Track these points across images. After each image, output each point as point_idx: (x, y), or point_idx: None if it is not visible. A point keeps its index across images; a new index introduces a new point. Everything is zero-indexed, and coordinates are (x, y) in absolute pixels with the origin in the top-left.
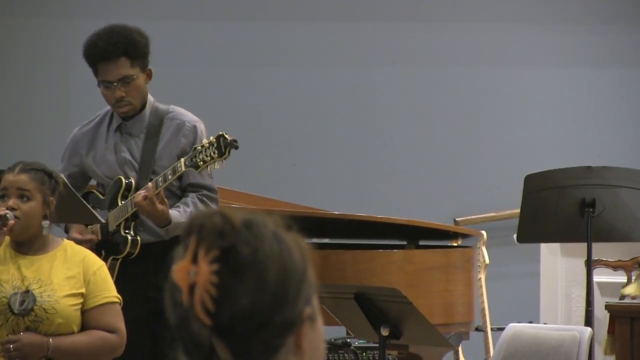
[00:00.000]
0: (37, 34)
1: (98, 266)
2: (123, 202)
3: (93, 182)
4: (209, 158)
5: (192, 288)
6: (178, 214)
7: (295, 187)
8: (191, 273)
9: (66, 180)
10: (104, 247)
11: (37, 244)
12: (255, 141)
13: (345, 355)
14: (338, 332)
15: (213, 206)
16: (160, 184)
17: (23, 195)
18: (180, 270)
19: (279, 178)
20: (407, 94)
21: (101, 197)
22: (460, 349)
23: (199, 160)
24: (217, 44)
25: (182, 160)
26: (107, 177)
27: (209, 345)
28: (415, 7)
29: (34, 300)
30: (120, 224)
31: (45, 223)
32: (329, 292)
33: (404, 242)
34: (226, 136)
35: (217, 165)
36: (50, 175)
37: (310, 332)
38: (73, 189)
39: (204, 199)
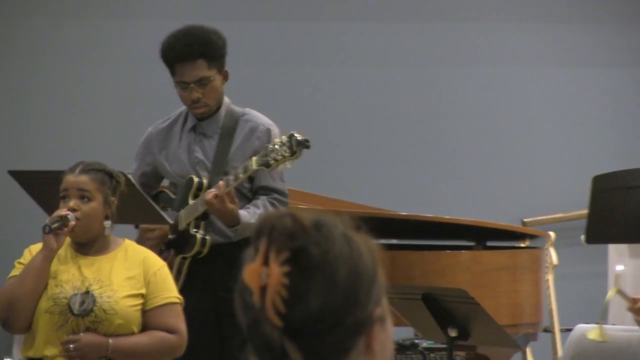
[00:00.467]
0: (96, 35)
1: (158, 266)
2: (194, 201)
3: (165, 182)
4: (280, 157)
5: (263, 290)
6: (247, 214)
7: (362, 188)
8: (262, 275)
9: (133, 180)
10: (174, 245)
11: (98, 245)
12: (322, 141)
13: (413, 356)
14: (406, 332)
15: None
16: (231, 182)
17: (84, 196)
18: (251, 272)
19: (346, 178)
20: (474, 94)
21: (172, 196)
22: (528, 350)
23: (270, 159)
24: (282, 44)
25: (254, 159)
26: (179, 177)
27: (280, 347)
28: (486, 8)
29: (94, 300)
30: (190, 222)
31: (107, 223)
32: (397, 293)
33: (472, 243)
34: (298, 136)
35: (288, 165)
36: (110, 175)
37: (380, 333)
38: (140, 189)
39: (275, 202)
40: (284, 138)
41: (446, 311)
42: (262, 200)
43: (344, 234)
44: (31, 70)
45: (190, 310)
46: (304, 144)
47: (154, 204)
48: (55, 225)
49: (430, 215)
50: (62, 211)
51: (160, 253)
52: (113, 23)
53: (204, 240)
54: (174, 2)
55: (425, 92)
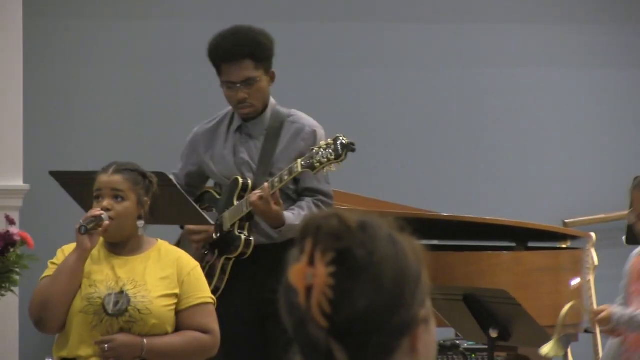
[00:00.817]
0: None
1: (192, 266)
2: (238, 202)
3: (210, 183)
4: (325, 160)
5: (309, 290)
6: (292, 216)
7: (404, 189)
8: (308, 275)
9: (175, 181)
10: (218, 246)
11: (132, 245)
12: (364, 142)
13: (455, 357)
14: (447, 333)
15: None
16: (276, 184)
17: (117, 195)
18: (297, 272)
19: (388, 180)
20: (516, 94)
21: (217, 197)
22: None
23: (315, 161)
24: (326, 44)
25: (299, 161)
26: (224, 177)
27: (326, 348)
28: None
29: (128, 300)
30: (234, 223)
31: (140, 223)
32: (439, 294)
33: (513, 244)
34: (343, 139)
35: (333, 167)
36: (144, 175)
37: (424, 334)
38: (181, 189)
39: (319, 203)
40: (330, 141)
41: (487, 312)
42: (306, 202)
43: (389, 235)
44: (71, 71)
45: (234, 311)
46: (349, 147)
47: (195, 204)
48: (91, 225)
49: (471, 216)
50: (96, 211)
51: (203, 256)
52: (152, 23)
53: (248, 241)
54: (218, 3)
55: (466, 92)
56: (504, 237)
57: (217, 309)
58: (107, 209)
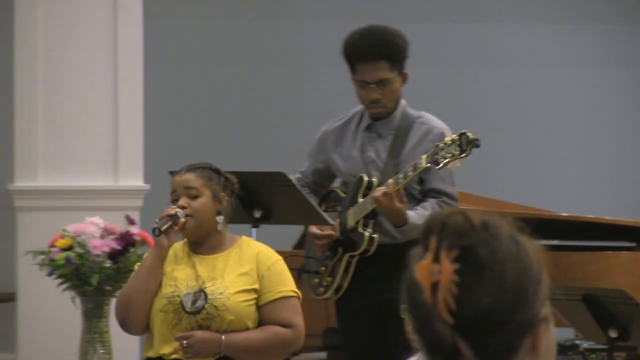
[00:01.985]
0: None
1: (273, 261)
2: (363, 199)
3: (335, 184)
4: (450, 155)
5: (434, 287)
6: (416, 215)
7: (523, 189)
8: (433, 272)
9: (294, 181)
10: (342, 244)
11: (213, 242)
12: (484, 142)
13: (574, 356)
14: (566, 333)
15: None
16: (401, 180)
17: (191, 193)
18: (423, 269)
19: (508, 179)
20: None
21: (342, 195)
22: None
23: (439, 157)
24: (450, 45)
25: (424, 156)
26: (350, 175)
27: (451, 345)
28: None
29: (206, 298)
30: (358, 221)
31: (220, 219)
32: (558, 294)
33: (632, 244)
34: (468, 134)
35: (457, 163)
36: (218, 172)
37: (545, 333)
38: (301, 190)
39: (443, 205)
40: (455, 136)
41: (607, 312)
42: (430, 203)
43: (510, 235)
44: (189, 71)
45: (354, 310)
46: (474, 143)
47: (314, 204)
48: (165, 226)
49: (591, 216)
50: (171, 209)
51: (326, 256)
52: (278, 23)
53: (371, 238)
54: (352, 3)
55: (590, 93)
56: (623, 237)
57: (339, 308)
58: (182, 207)
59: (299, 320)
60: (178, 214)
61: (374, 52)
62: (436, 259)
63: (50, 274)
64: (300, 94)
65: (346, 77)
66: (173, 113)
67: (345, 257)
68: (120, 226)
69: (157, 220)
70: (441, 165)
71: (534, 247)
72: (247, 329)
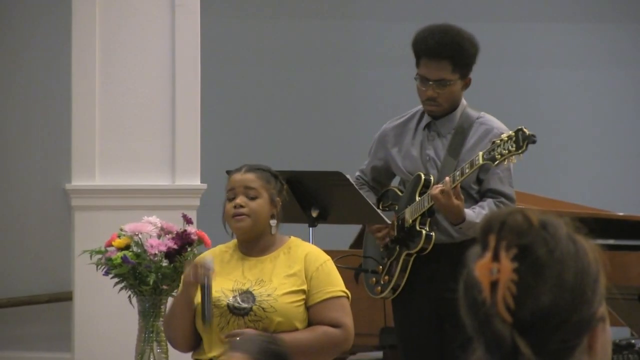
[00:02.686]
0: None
1: (321, 261)
2: (420, 198)
3: (394, 182)
4: (506, 152)
5: (493, 285)
6: (473, 213)
7: (579, 188)
8: (493, 270)
9: (351, 180)
10: (399, 242)
11: (263, 244)
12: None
13: (630, 356)
14: (622, 333)
15: None
16: (458, 177)
17: (250, 193)
18: (482, 267)
19: (564, 179)
20: None
21: (400, 194)
22: None
23: (496, 153)
24: (499, 45)
25: (481, 153)
26: (409, 173)
27: (511, 343)
28: None
29: (253, 299)
30: (416, 219)
31: (273, 222)
32: (614, 293)
33: None
34: (525, 130)
35: (514, 160)
36: (276, 176)
37: (602, 332)
38: (358, 189)
39: (501, 205)
40: (511, 133)
41: None
42: (488, 203)
43: (568, 234)
44: (246, 71)
45: (412, 309)
46: (530, 139)
47: (371, 203)
48: (213, 309)
49: None
50: (197, 266)
51: (384, 254)
52: (332, 23)
53: (429, 236)
54: (413, 3)
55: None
56: None
57: (396, 307)
58: (240, 206)
59: (348, 320)
60: (207, 264)
61: (440, 51)
62: (495, 258)
63: (106, 274)
64: (358, 93)
65: (405, 76)
66: (230, 113)
67: (403, 256)
68: (177, 225)
69: (188, 270)
70: (498, 162)
71: (591, 247)
72: (296, 330)
